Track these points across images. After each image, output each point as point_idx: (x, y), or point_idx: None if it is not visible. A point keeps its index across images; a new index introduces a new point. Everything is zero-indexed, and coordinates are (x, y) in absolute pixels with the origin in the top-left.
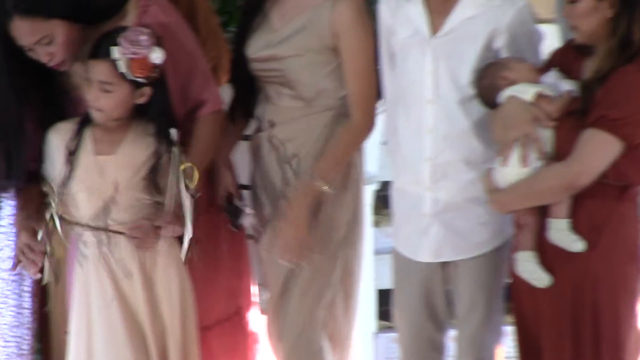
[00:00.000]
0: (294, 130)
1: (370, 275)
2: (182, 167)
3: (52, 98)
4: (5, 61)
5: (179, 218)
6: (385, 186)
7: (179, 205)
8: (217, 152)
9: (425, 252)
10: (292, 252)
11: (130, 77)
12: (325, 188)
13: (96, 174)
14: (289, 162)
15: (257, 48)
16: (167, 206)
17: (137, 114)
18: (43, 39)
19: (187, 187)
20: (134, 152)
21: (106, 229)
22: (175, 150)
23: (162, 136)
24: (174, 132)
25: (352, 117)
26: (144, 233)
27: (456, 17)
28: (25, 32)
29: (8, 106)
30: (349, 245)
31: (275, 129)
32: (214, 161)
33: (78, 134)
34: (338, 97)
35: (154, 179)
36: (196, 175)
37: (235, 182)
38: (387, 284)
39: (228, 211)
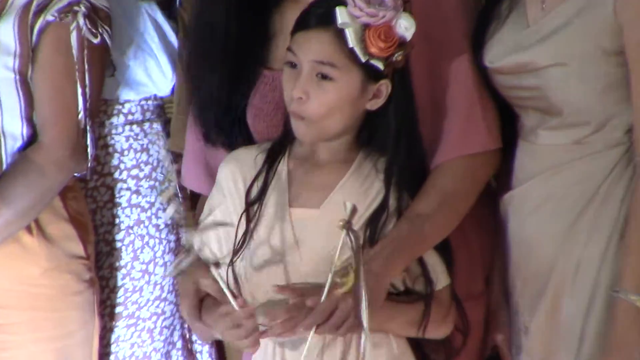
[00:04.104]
0: (557, 187)
1: None
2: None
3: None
4: None
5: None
6: None
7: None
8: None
9: None
10: None
11: (364, 56)
12: None
13: (288, 235)
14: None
15: (499, 53)
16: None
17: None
18: None
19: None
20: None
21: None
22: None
23: (397, 174)
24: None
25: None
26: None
27: None
28: None
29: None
30: None
31: (529, 184)
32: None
33: (267, 170)
34: (627, 127)
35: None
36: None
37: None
38: None
39: None
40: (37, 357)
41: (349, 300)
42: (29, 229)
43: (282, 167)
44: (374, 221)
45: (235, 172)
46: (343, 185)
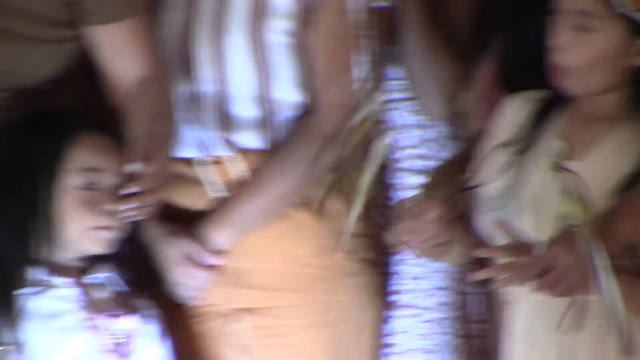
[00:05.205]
0: None
1: None
2: None
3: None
4: None
5: None
6: None
7: None
8: None
9: None
10: None
11: (626, 8)
12: None
13: (547, 186)
14: None
15: None
16: None
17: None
18: None
19: None
20: (612, 158)
21: None
22: None
23: None
24: None
25: None
26: None
27: None
28: None
29: None
30: None
31: None
32: None
33: (537, 120)
34: None
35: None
36: None
37: None
38: None
39: None
40: (308, 344)
41: (565, 257)
42: (303, 205)
43: (553, 117)
44: (629, 186)
45: (508, 117)
46: (608, 141)
